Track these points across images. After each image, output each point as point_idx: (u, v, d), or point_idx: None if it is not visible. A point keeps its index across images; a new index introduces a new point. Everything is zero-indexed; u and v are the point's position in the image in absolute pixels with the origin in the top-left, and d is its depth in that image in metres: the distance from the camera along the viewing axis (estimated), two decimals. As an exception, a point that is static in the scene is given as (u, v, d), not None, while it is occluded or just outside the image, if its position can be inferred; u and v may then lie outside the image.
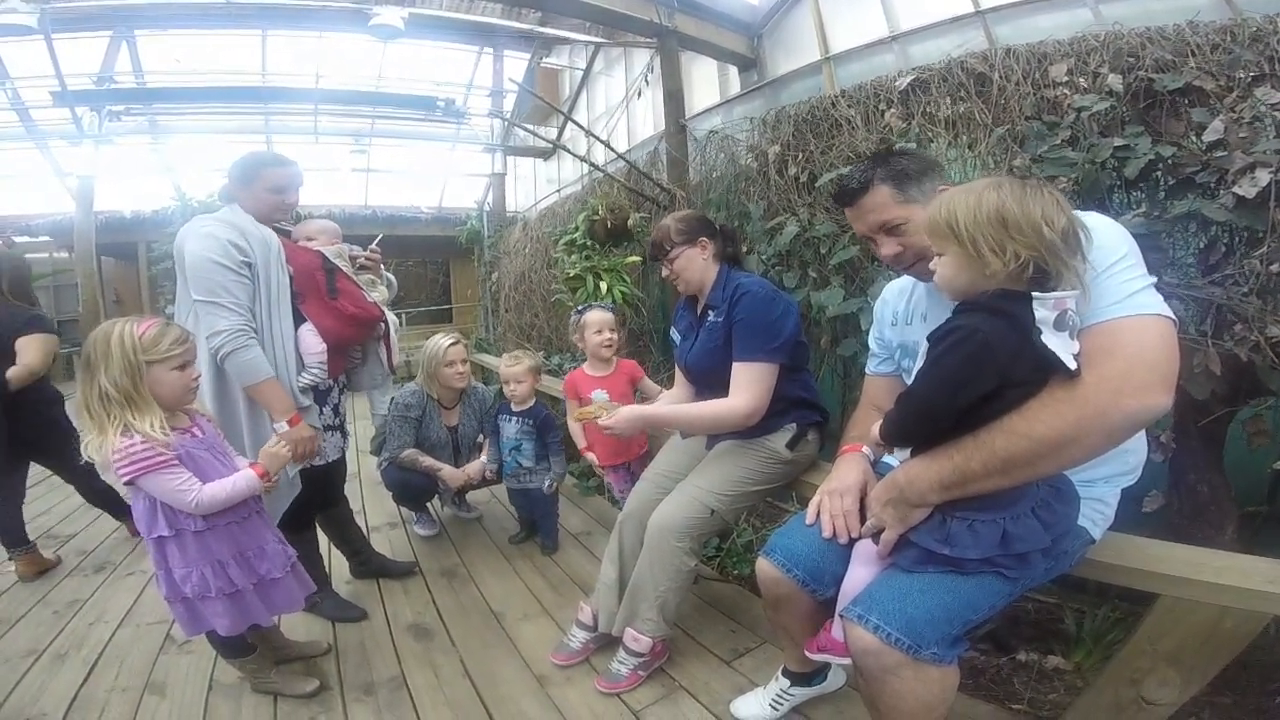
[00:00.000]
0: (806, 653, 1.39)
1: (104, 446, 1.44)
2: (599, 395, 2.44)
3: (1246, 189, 1.83)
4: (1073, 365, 0.98)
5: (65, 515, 3.53)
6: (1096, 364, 0.99)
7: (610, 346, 2.52)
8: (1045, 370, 1.01)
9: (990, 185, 1.04)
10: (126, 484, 1.49)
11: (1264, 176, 1.80)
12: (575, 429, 2.58)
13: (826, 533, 1.36)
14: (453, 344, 2.78)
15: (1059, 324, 0.98)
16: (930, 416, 1.09)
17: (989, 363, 1.00)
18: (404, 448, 2.72)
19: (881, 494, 1.21)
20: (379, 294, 2.19)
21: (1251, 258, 1.87)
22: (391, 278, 2.41)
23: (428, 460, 2.74)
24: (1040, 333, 0.98)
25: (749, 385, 1.78)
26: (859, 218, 1.38)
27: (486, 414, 2.98)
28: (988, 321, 1.00)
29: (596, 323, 2.51)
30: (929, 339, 1.09)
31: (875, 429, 1.23)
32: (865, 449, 1.46)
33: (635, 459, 2.60)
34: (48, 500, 3.80)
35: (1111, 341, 1.00)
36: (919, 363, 1.41)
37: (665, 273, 1.97)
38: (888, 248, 1.35)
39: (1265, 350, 1.76)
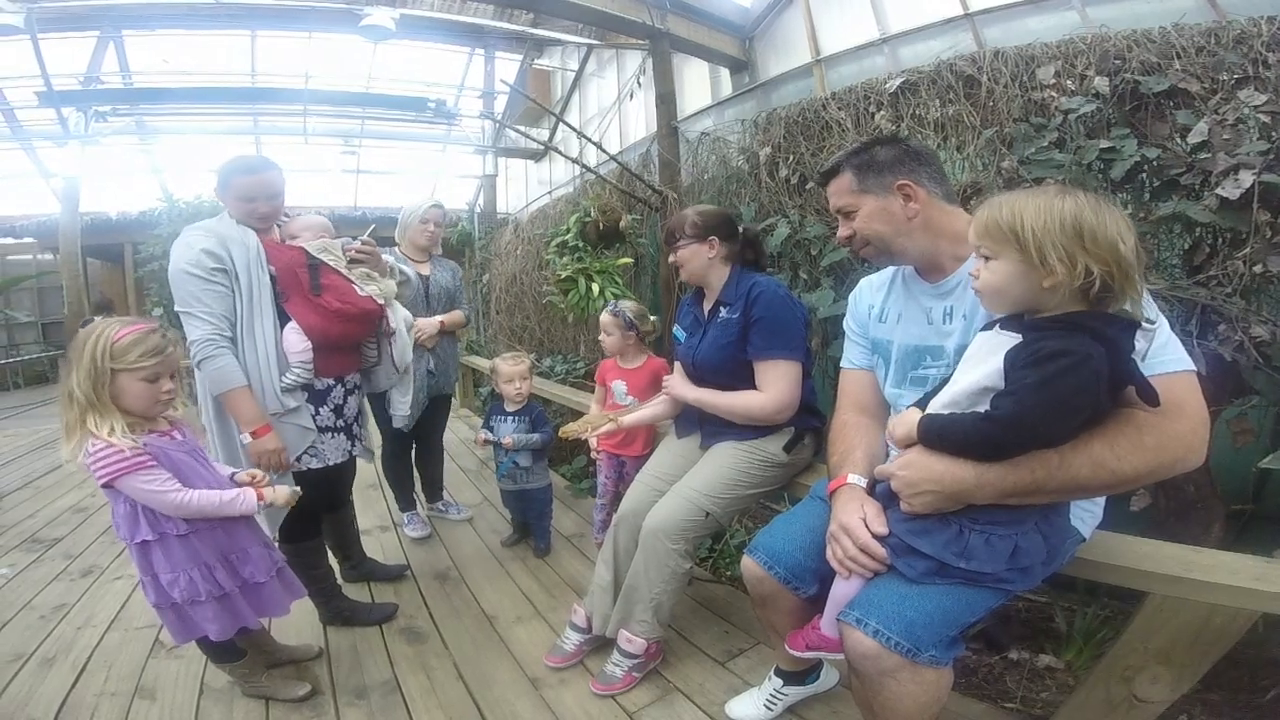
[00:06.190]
0: (792, 650, 1.36)
1: (73, 447, 1.45)
2: (618, 386, 2.48)
3: (1230, 190, 1.85)
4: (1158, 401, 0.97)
5: (51, 519, 3.49)
6: (1171, 417, 1.00)
7: (606, 345, 2.52)
8: (1117, 398, 0.99)
9: (1061, 191, 0.97)
10: (104, 487, 1.47)
11: (1247, 178, 1.83)
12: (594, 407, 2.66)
13: (844, 576, 1.23)
14: (432, 206, 2.85)
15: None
16: (1043, 442, 1.00)
17: (1099, 391, 0.95)
18: None
19: (913, 483, 1.10)
20: (375, 287, 2.10)
21: (1235, 258, 1.90)
22: (409, 272, 2.36)
23: None
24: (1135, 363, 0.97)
25: (776, 382, 1.79)
26: (831, 197, 1.47)
27: (458, 274, 3.01)
28: (1095, 347, 0.93)
29: (602, 324, 2.52)
30: (1011, 357, 0.98)
31: (895, 434, 1.17)
32: (852, 477, 1.32)
33: (632, 457, 2.60)
34: (33, 504, 3.77)
35: (1178, 397, 1.02)
36: (893, 367, 1.41)
37: (671, 258, 1.99)
38: (842, 229, 1.45)
39: (1249, 350, 1.78)
